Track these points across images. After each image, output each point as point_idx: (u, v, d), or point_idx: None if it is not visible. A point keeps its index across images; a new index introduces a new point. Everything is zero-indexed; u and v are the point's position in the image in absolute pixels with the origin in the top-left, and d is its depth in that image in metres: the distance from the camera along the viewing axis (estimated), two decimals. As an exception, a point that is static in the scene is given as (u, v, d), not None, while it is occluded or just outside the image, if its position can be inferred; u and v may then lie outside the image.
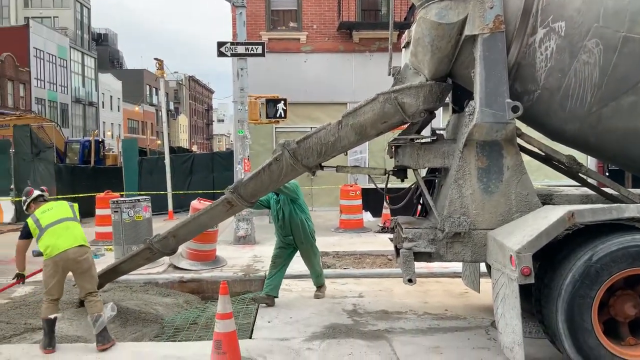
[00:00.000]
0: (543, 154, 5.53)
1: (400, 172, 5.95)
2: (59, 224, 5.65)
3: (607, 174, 12.90)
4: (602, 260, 4.33)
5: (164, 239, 6.52)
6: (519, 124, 5.23)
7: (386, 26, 15.16)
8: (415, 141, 5.54)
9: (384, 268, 8.99)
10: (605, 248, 4.36)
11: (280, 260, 7.14)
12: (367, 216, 13.87)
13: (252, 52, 11.49)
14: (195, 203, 8.86)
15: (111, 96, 58.88)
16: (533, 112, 5.19)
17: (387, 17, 16.13)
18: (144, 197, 9.72)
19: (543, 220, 4.50)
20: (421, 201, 6.15)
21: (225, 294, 4.97)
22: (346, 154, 6.03)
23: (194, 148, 63.12)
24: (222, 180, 17.35)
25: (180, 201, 16.51)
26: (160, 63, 16.64)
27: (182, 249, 8.39)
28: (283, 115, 11.97)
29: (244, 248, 10.87)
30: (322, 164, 5.94)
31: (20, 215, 14.97)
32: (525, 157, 5.39)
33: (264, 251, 9.75)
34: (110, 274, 6.87)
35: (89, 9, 57.39)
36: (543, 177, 10.37)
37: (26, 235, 5.74)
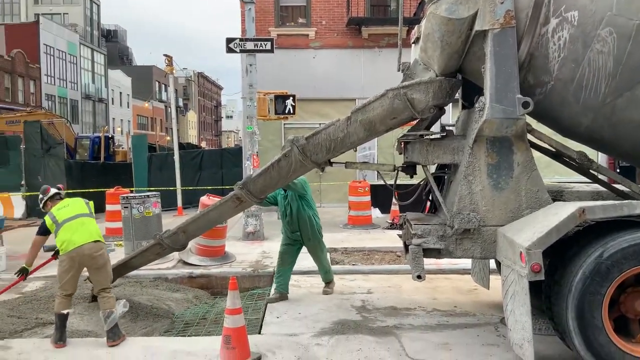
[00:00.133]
0: (553, 150, 5.49)
1: (410, 168, 5.93)
2: (75, 219, 5.70)
3: (618, 170, 12.82)
4: (612, 257, 4.30)
5: (174, 234, 6.55)
6: (530, 120, 5.19)
7: (395, 22, 15.14)
8: (425, 137, 5.51)
9: (393, 264, 8.99)
10: (616, 245, 4.33)
11: (288, 257, 7.15)
12: (375, 212, 13.85)
13: (260, 48, 11.48)
14: (204, 199, 8.89)
15: (121, 92, 59.16)
16: (546, 105, 5.13)
17: (396, 13, 16.08)
18: (154, 193, 9.77)
19: (553, 217, 4.48)
20: (430, 197, 6.14)
21: (234, 289, 4.99)
22: (355, 150, 6.01)
23: (203, 144, 63.27)
24: (231, 176, 17.43)
25: (190, 197, 16.60)
26: (169, 59, 16.68)
27: (191, 244, 8.43)
28: (292, 112, 11.97)
29: (252, 244, 10.90)
30: (331, 160, 5.94)
31: (31, 211, 15.11)
32: (535, 154, 5.36)
33: (273, 247, 9.76)
34: (121, 269, 6.91)
35: (98, 6, 57.62)
36: (553, 173, 10.31)
37: (43, 231, 5.80)
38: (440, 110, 5.71)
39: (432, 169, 5.95)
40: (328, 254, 7.62)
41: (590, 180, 5.87)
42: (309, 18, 16.38)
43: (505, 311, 4.82)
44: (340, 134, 5.60)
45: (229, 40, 11.42)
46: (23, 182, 15.65)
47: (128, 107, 60.83)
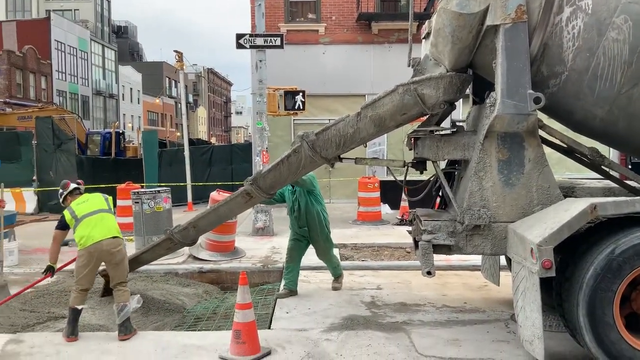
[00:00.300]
0: (565, 146, 5.45)
1: (420, 164, 5.91)
2: (94, 215, 5.73)
3: (630, 166, 12.71)
4: (624, 253, 4.27)
5: (184, 229, 6.59)
6: (541, 115, 5.16)
7: (406, 17, 15.02)
8: (435, 133, 5.50)
9: (403, 260, 8.98)
10: (628, 241, 4.30)
11: (296, 252, 7.15)
12: (385, 208, 13.83)
13: (270, 44, 11.47)
14: (214, 194, 8.92)
15: (131, 88, 59.44)
16: (560, 97, 5.07)
17: (406, 8, 15.99)
18: (164, 188, 9.82)
19: (565, 213, 4.45)
20: (440, 194, 6.12)
21: (244, 284, 5.02)
22: (365, 146, 6.01)
23: (213, 140, 63.48)
24: (240, 171, 17.45)
25: (200, 192, 16.67)
26: (179, 55, 16.74)
27: (201, 240, 8.46)
28: (301, 107, 11.97)
29: (262, 239, 10.93)
30: (341, 156, 5.94)
31: (43, 206, 15.24)
32: (546, 150, 5.32)
33: (282, 243, 9.77)
34: (132, 264, 6.94)
35: (109, 2, 57.87)
36: (564, 169, 10.26)
37: (62, 226, 5.82)
38: (451, 106, 5.70)
39: (442, 164, 5.93)
40: (337, 250, 7.62)
41: (601, 177, 5.83)
42: (319, 13, 16.34)
43: (515, 308, 4.81)
44: (350, 130, 5.60)
45: (239, 36, 11.42)
46: (35, 178, 15.76)
47: (138, 103, 61.12)
